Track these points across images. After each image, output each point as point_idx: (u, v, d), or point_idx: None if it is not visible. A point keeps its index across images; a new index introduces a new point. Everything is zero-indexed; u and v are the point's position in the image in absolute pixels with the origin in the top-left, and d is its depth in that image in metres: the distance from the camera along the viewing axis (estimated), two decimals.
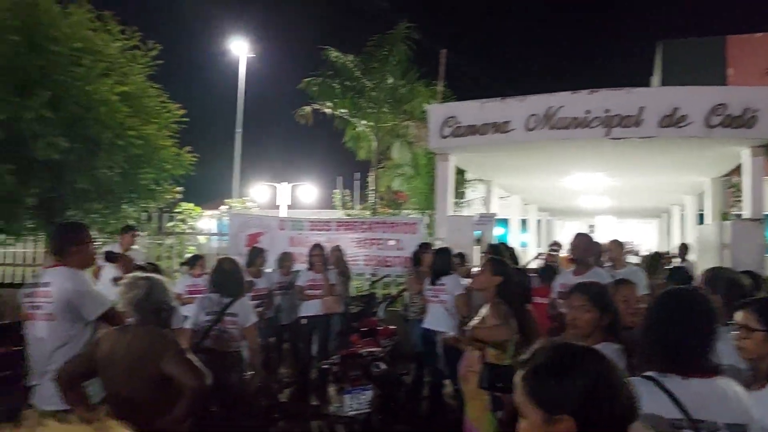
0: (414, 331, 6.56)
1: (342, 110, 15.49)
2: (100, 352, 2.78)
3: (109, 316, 3.34)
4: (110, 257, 3.72)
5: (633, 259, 10.81)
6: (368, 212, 15.94)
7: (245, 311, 4.45)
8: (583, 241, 5.47)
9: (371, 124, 15.53)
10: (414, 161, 17.40)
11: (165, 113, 9.08)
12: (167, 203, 10.97)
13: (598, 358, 1.35)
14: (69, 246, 3.43)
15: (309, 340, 7.04)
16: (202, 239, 13.31)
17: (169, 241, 11.59)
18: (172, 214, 12.85)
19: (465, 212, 15.41)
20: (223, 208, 16.14)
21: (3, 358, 5.09)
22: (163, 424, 2.61)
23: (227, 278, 4.50)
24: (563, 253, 9.74)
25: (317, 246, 7.20)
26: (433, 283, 5.97)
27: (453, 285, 5.80)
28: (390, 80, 15.16)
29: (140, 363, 2.68)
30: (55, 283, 3.32)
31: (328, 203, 20.01)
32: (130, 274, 3.02)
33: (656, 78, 24.23)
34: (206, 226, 15.01)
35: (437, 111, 9.69)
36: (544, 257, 10.10)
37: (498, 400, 3.31)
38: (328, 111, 15.64)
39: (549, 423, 1.30)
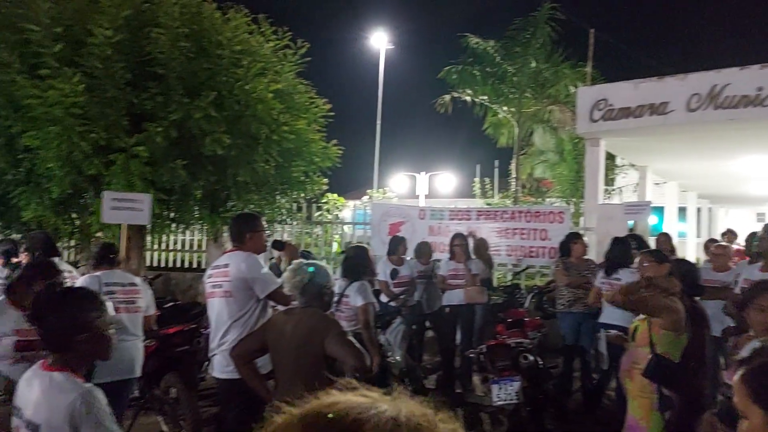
0: (563, 324, 6.37)
1: (482, 97, 15.30)
2: (270, 331, 3.03)
3: (277, 295, 3.71)
4: (277, 245, 4.19)
5: None
6: (509, 201, 15.66)
7: (355, 291, 4.62)
8: None
9: (512, 109, 15.17)
10: (558, 147, 16.82)
11: (313, 108, 9.51)
12: (314, 194, 11.53)
13: None
14: (245, 233, 3.87)
15: (453, 329, 7.09)
16: (346, 228, 13.86)
17: (316, 230, 12.17)
18: (319, 205, 13.49)
19: (615, 200, 14.64)
20: (364, 198, 16.67)
21: (181, 334, 5.68)
22: None
23: (350, 264, 4.77)
24: (736, 244, 8.89)
25: (459, 235, 7.22)
26: (607, 274, 5.72)
27: (629, 279, 5.48)
28: (533, 64, 14.73)
29: (305, 342, 2.89)
30: (233, 264, 3.78)
31: (467, 192, 19.92)
32: (296, 261, 3.25)
33: None
34: (349, 216, 15.61)
35: (586, 93, 9.28)
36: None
37: (667, 400, 3.14)
38: (467, 99, 15.54)
39: None
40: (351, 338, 2.93)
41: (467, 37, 14.85)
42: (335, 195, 14.88)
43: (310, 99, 9.58)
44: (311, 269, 3.02)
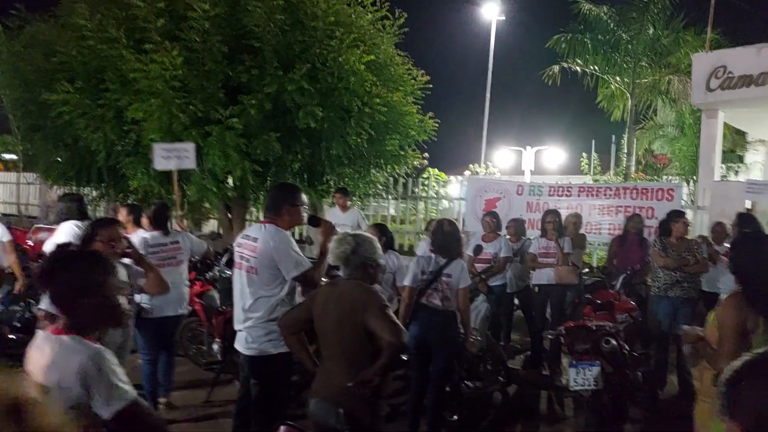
0: (659, 308, 5.89)
1: (593, 67, 14.40)
2: (316, 302, 2.99)
3: (306, 278, 3.50)
4: (313, 221, 3.90)
5: None
6: (620, 178, 14.72)
7: (459, 272, 4.44)
8: None
9: (626, 80, 14.17)
10: (678, 120, 15.57)
11: (410, 80, 9.37)
12: (413, 168, 11.41)
13: None
14: (284, 205, 3.63)
15: (543, 309, 6.79)
16: (446, 203, 13.68)
17: (413, 204, 12.07)
18: (421, 179, 13.37)
19: (741, 178, 13.33)
20: (466, 173, 16.35)
21: None
22: (366, 374, 2.71)
23: (446, 239, 4.52)
24: None
25: (551, 212, 6.85)
26: None
27: None
28: (650, 30, 13.63)
29: (347, 315, 2.82)
30: (261, 239, 3.56)
31: (576, 169, 18.97)
32: (341, 231, 3.16)
33: None
34: (455, 192, 15.38)
35: (702, 61, 8.45)
36: None
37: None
38: (578, 69, 14.69)
39: None
40: (391, 313, 2.82)
41: (579, 3, 13.99)
42: (436, 170, 14.72)
43: (407, 71, 9.45)
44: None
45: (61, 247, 2.28)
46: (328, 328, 2.90)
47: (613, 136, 19.44)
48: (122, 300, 2.05)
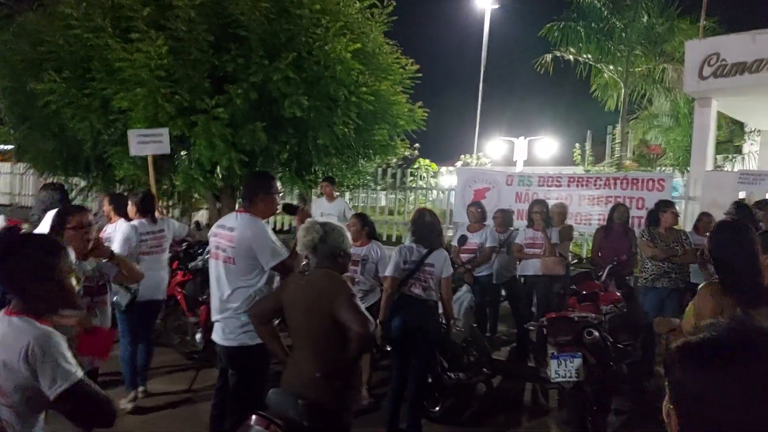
0: (645, 300, 5.87)
1: (586, 56, 14.30)
2: (286, 292, 2.95)
3: (284, 267, 3.45)
4: (289, 209, 3.85)
5: None
6: (613, 168, 14.66)
7: (442, 262, 4.40)
8: None
9: (619, 69, 14.07)
10: (673, 110, 15.49)
11: (399, 69, 9.29)
12: (401, 158, 11.35)
13: None
14: (257, 194, 3.59)
15: (529, 300, 6.75)
16: (437, 194, 13.62)
17: (403, 195, 11.99)
18: (411, 170, 13.30)
19: (738, 168, 13.29)
20: (458, 164, 16.28)
21: None
22: (337, 365, 2.68)
23: (426, 229, 4.47)
24: None
25: (538, 202, 6.81)
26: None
27: None
28: (645, 18, 13.52)
29: (314, 305, 2.79)
30: (238, 229, 3.52)
31: (569, 159, 18.89)
32: (309, 220, 3.11)
33: None
34: (447, 183, 15.31)
35: (695, 48, 8.38)
36: None
37: None
38: (570, 58, 14.59)
39: None
40: (358, 303, 2.77)
41: None
42: (427, 161, 14.65)
43: (395, 60, 9.37)
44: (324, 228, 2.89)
45: (11, 231, 2.27)
46: (296, 317, 2.86)
47: (609, 127, 19.37)
48: (73, 282, 2.06)
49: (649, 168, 15.80)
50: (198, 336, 5.52)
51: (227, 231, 3.58)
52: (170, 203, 11.08)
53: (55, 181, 8.50)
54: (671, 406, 1.03)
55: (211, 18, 7.57)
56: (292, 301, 2.89)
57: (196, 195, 9.99)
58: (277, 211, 3.80)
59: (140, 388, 5.12)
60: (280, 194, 3.75)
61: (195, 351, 5.74)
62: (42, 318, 1.95)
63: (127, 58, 7.21)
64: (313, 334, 2.80)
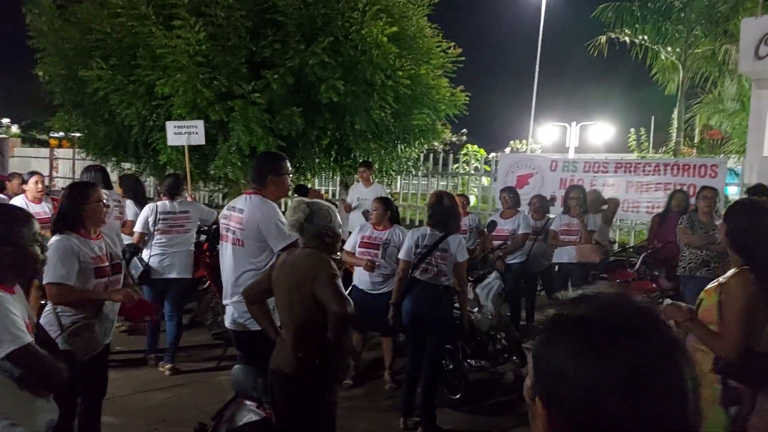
0: (686, 290, 5.60)
1: (642, 37, 13.68)
2: (275, 272, 2.94)
3: (294, 249, 3.39)
4: (301, 191, 3.85)
5: None
6: (669, 154, 14.03)
7: (456, 247, 4.31)
8: None
9: (678, 50, 13.41)
10: (739, 94, 14.68)
11: (440, 53, 9.15)
12: (448, 145, 11.20)
13: None
14: (267, 175, 3.56)
15: (563, 289, 6.54)
16: (485, 180, 13.38)
17: (444, 182, 11.83)
18: (457, 156, 13.12)
19: None
20: (507, 150, 15.93)
21: None
22: (318, 345, 2.67)
23: (445, 213, 4.37)
24: None
25: (575, 187, 6.60)
26: None
27: None
28: None
29: (296, 284, 2.77)
30: (248, 211, 3.50)
31: (624, 145, 18.19)
32: (296, 198, 3.08)
33: None
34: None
35: (751, 26, 7.91)
36: None
37: (732, 393, 2.57)
38: (626, 39, 14.01)
39: None
40: (338, 283, 2.73)
41: None
42: (475, 146, 14.38)
43: (437, 44, 9.23)
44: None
45: None
46: (281, 296, 2.85)
47: (675, 112, 18.51)
48: (37, 251, 2.13)
49: (712, 154, 15.05)
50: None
51: (237, 213, 3.57)
52: (216, 188, 11.35)
53: (97, 163, 8.84)
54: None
55: (249, 4, 7.66)
56: (277, 280, 2.88)
57: (242, 180, 10.19)
58: (288, 193, 3.78)
59: (167, 365, 5.33)
60: (290, 175, 3.71)
61: (221, 331, 5.87)
62: (5, 284, 2.05)
63: (168, 45, 7.38)
64: (294, 312, 2.78)
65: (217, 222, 5.92)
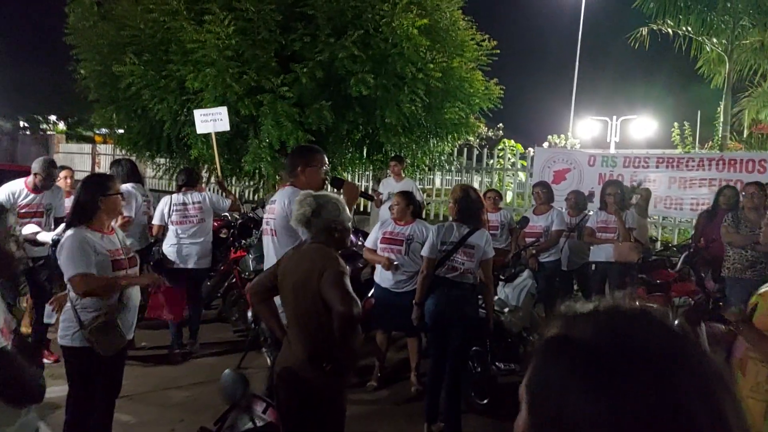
0: (732, 292, 5.28)
1: (686, 28, 13.14)
2: (281, 268, 2.81)
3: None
4: (335, 183, 3.77)
5: None
6: (715, 150, 13.45)
7: (484, 243, 4.11)
8: None
9: (723, 42, 12.83)
10: None
11: (473, 45, 8.93)
12: (484, 140, 10.95)
13: None
14: (298, 167, 3.56)
15: (600, 289, 6.28)
16: (522, 176, 13.06)
17: (479, 177, 11.57)
18: (493, 151, 12.83)
19: None
20: (545, 145, 15.55)
21: None
22: (325, 346, 2.53)
23: (472, 208, 4.17)
24: None
25: (613, 183, 6.30)
26: None
27: None
28: None
29: (302, 281, 2.63)
30: (279, 201, 3.52)
31: (667, 141, 17.56)
32: (303, 192, 2.93)
33: None
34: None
35: None
36: None
37: None
38: (669, 31, 13.47)
39: None
40: (345, 281, 2.57)
41: None
42: (512, 141, 14.10)
43: (470, 36, 9.01)
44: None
45: None
46: (286, 294, 2.72)
47: (721, 105, 17.77)
48: (13, 247, 2.05)
49: (763, 149, 14.40)
50: (249, 313, 5.54)
51: (272, 204, 3.64)
52: (247, 184, 11.35)
53: (127, 156, 8.93)
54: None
55: None
56: (283, 277, 2.75)
57: (278, 176, 10.14)
58: (322, 185, 3.69)
59: (192, 345, 5.68)
60: (324, 167, 3.65)
61: (246, 329, 5.81)
62: None
63: (198, 40, 7.36)
64: (302, 311, 2.65)
65: (235, 210, 6.21)
